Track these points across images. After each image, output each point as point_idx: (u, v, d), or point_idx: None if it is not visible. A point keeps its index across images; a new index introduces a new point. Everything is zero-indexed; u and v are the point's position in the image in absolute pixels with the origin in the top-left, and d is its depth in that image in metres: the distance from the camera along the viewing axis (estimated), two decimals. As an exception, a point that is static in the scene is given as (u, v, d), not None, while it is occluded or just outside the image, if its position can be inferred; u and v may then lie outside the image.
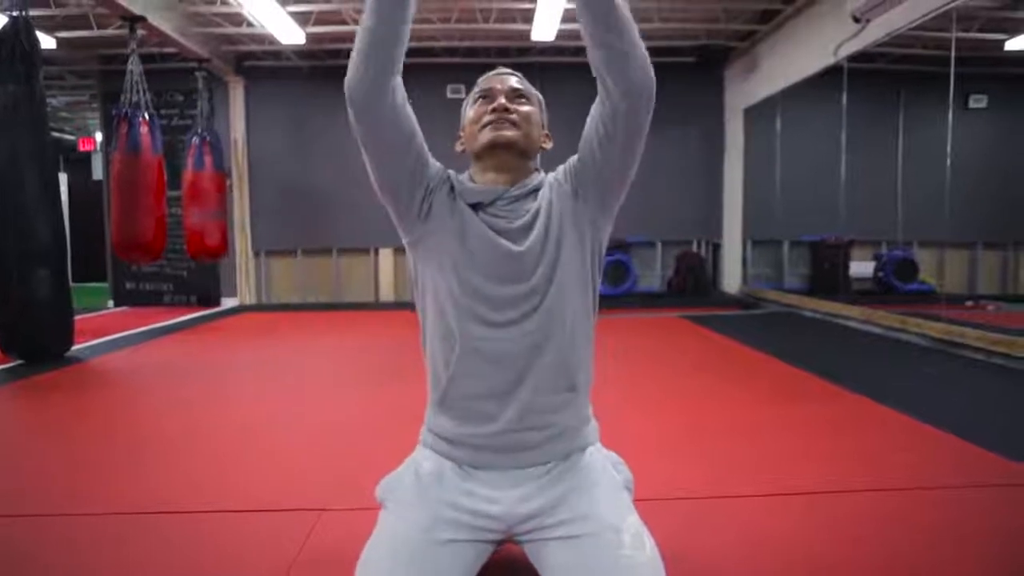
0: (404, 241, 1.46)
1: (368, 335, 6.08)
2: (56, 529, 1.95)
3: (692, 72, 8.58)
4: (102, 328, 6.36)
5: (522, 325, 1.34)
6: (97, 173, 10.23)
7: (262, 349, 5.45)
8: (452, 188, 1.43)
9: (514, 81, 1.47)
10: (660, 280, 8.85)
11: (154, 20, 6.13)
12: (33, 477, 2.44)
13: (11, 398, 3.76)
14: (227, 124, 8.42)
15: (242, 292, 8.70)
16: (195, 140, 7.12)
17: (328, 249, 8.79)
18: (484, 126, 1.40)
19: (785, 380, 3.96)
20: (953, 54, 5.59)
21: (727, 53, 8.49)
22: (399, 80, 1.37)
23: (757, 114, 8.27)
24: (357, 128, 1.37)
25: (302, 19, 7.09)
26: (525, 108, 1.44)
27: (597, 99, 1.37)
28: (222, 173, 7.44)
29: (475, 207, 1.39)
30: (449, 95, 8.59)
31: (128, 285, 8.75)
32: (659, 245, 8.88)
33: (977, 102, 8.36)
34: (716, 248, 9.04)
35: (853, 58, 6.20)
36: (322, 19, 7.28)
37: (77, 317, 5.06)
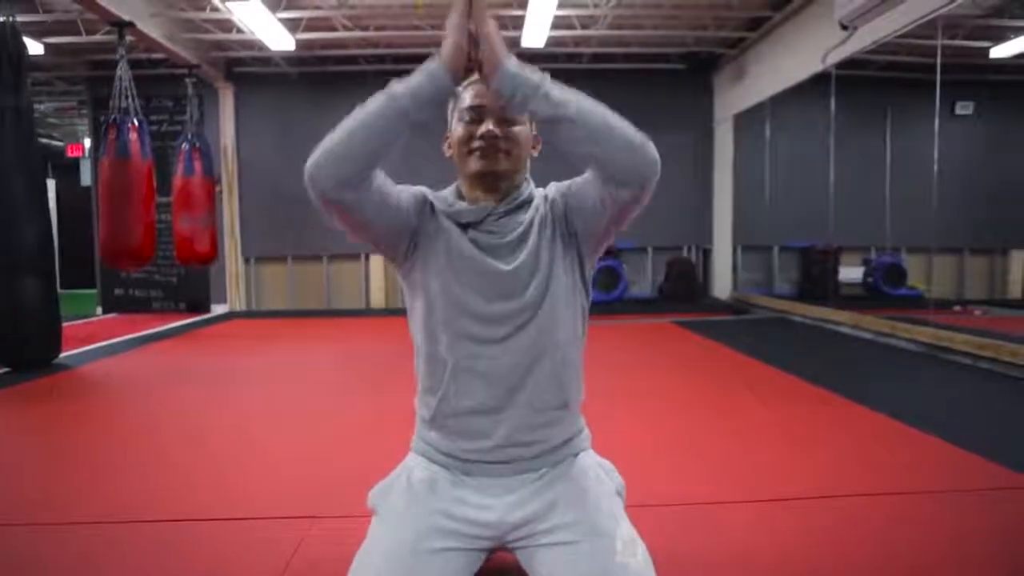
0: (396, 272, 1.46)
1: (358, 342, 6.06)
2: (43, 537, 1.93)
3: (681, 79, 8.64)
4: (90, 335, 6.31)
5: (514, 342, 1.34)
6: (85, 179, 10.17)
7: (252, 356, 5.42)
8: (434, 209, 1.40)
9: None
10: (651, 286, 8.87)
11: (143, 26, 6.12)
12: (19, 485, 2.42)
13: (-2, 406, 3.73)
14: (217, 130, 8.39)
15: (232, 299, 8.66)
16: (184, 146, 7.08)
17: (318, 256, 8.76)
18: (472, 151, 1.36)
19: (776, 385, 3.97)
20: (939, 61, 5.65)
21: (716, 60, 8.54)
22: None
23: (746, 121, 8.32)
24: (330, 214, 1.31)
25: (292, 26, 7.08)
26: (516, 129, 1.36)
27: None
28: (212, 179, 7.40)
29: (464, 225, 1.38)
30: (439, 101, 8.59)
31: (117, 292, 8.70)
32: (650, 251, 8.90)
33: (963, 109, 8.45)
34: (706, 254, 9.07)
35: (841, 65, 6.24)
36: (312, 26, 7.27)
37: (65, 324, 5.02)
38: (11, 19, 4.49)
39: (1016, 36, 7.01)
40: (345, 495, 2.09)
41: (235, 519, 2.06)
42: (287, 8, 6.85)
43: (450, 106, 1.39)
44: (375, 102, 1.24)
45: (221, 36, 7.41)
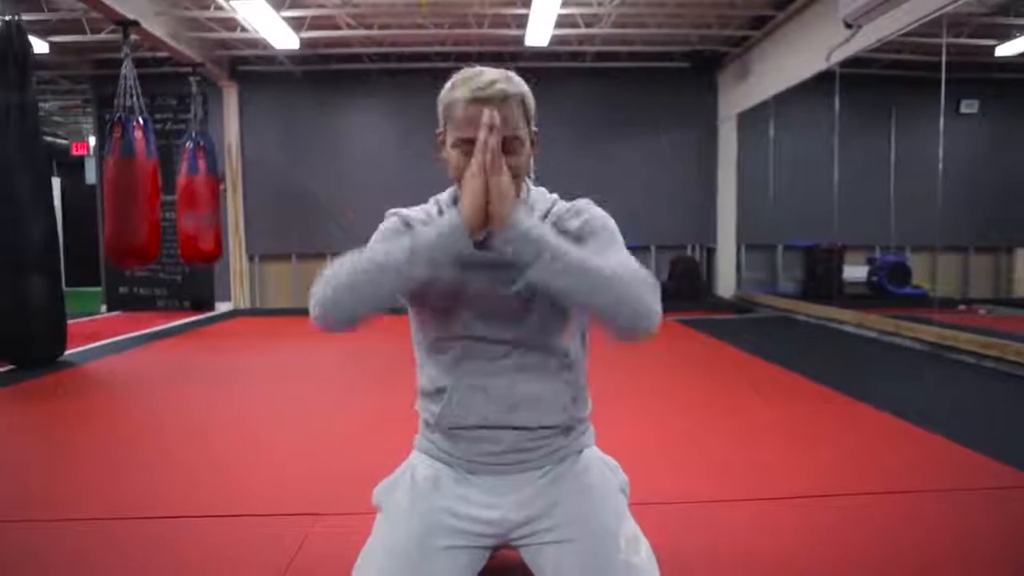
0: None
1: (362, 340, 6.04)
2: (48, 534, 1.94)
3: (686, 77, 8.62)
4: (95, 333, 6.33)
5: (515, 362, 1.32)
6: (90, 177, 10.18)
7: (256, 354, 5.43)
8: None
9: (499, 118, 1.19)
10: (654, 284, 8.86)
11: (147, 25, 6.13)
12: (25, 482, 2.43)
13: (3, 403, 3.74)
14: (221, 129, 8.40)
15: (236, 297, 8.68)
16: (189, 144, 7.10)
17: (322, 254, 8.76)
18: None
19: (779, 384, 3.97)
20: (944, 59, 5.63)
21: (720, 59, 8.52)
22: None
23: (750, 119, 8.31)
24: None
25: (296, 24, 7.09)
26: (514, 158, 1.25)
27: None
28: (216, 177, 7.43)
29: None
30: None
31: (121, 290, 8.72)
32: (653, 249, 8.89)
33: (968, 107, 8.43)
34: (710, 252, 9.06)
35: (845, 64, 6.23)
36: (316, 24, 7.28)
37: (70, 322, 5.03)
38: (16, 17, 4.50)
39: (1022, 34, 6.99)
40: (349, 492, 2.09)
41: (239, 516, 2.06)
42: (291, 6, 6.85)
43: (440, 108, 1.29)
44: (393, 255, 1.21)
45: (225, 35, 7.42)
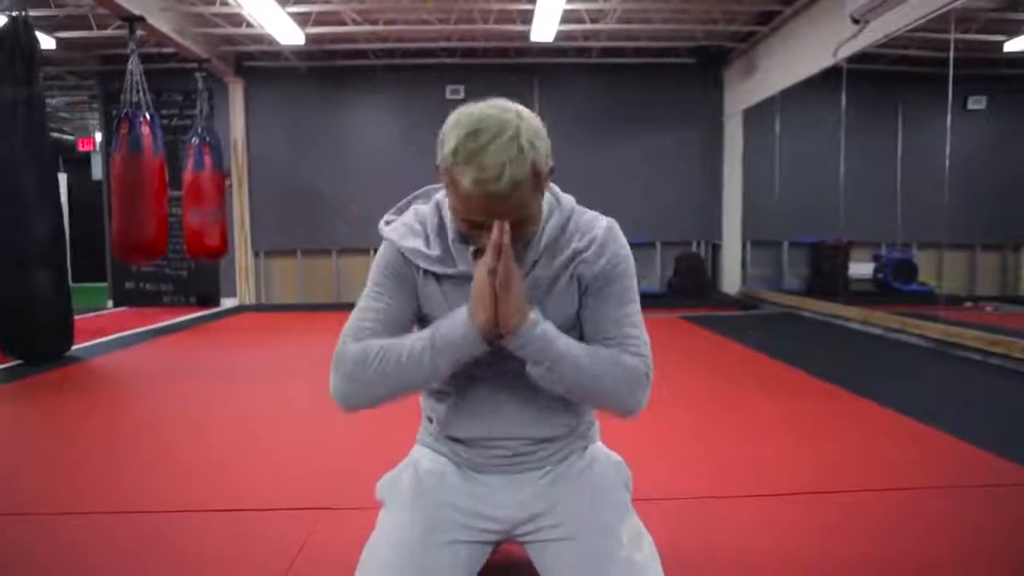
0: None
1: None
2: (55, 528, 1.96)
3: (691, 73, 8.59)
4: (101, 328, 6.35)
5: (515, 376, 1.29)
6: (96, 173, 10.22)
7: (261, 350, 5.45)
8: (419, 268, 1.31)
9: (511, 205, 1.13)
10: (660, 281, 8.86)
11: (153, 20, 6.14)
12: (32, 476, 2.45)
13: (10, 398, 3.76)
14: (227, 124, 8.42)
15: (242, 292, 8.70)
16: (195, 140, 7.12)
17: (328, 250, 8.79)
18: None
19: (783, 380, 3.97)
20: (952, 55, 5.60)
21: (726, 54, 8.49)
22: None
23: (756, 115, 8.28)
24: None
25: (301, 20, 7.09)
26: (524, 227, 1.21)
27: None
28: (221, 173, 7.43)
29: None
30: (448, 96, 8.59)
31: (127, 285, 8.75)
32: (658, 246, 8.89)
33: (976, 103, 8.38)
34: (715, 249, 9.05)
35: (852, 59, 6.21)
36: (321, 20, 7.28)
37: (76, 317, 5.05)
38: (23, 14, 4.51)
39: (1030, 30, 6.95)
40: (354, 487, 2.10)
41: (244, 510, 2.08)
42: (297, 2, 6.86)
43: (438, 156, 1.17)
44: (415, 355, 1.23)
45: (231, 30, 7.43)
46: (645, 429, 2.91)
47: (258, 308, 8.40)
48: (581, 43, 8.14)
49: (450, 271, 1.29)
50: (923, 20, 5.13)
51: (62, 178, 10.54)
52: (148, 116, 5.64)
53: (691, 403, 3.45)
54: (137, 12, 5.81)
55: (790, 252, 8.96)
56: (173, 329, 6.55)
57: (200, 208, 7.05)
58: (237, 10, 6.75)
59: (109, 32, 7.12)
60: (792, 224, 8.50)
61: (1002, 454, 2.46)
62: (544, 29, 7.10)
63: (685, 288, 8.49)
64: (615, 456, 1.50)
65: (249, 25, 7.17)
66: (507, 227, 1.13)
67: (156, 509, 2.08)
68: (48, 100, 9.16)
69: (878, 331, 5.71)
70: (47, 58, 7.14)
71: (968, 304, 7.45)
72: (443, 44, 8.17)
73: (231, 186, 8.32)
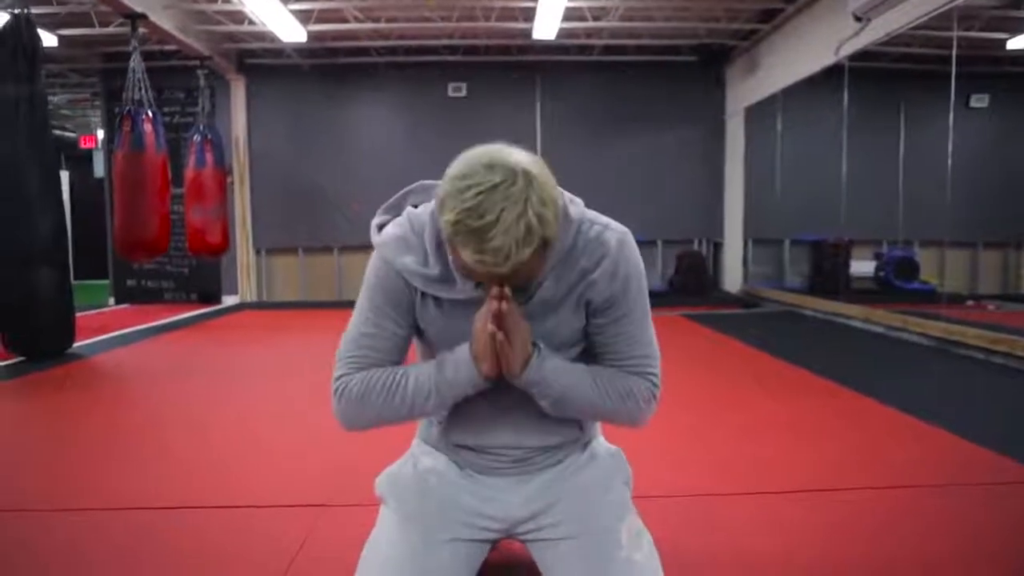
0: None
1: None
2: (55, 524, 1.96)
3: (693, 71, 8.58)
4: (103, 325, 6.36)
5: (517, 391, 1.28)
6: (98, 171, 10.23)
7: (263, 347, 5.46)
8: (417, 291, 1.23)
9: (511, 278, 1.06)
10: (661, 279, 8.85)
11: (155, 18, 6.14)
12: (33, 473, 2.45)
13: (12, 394, 3.77)
14: (228, 122, 8.42)
15: (243, 290, 8.71)
16: (196, 138, 7.12)
17: (329, 247, 8.79)
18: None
19: (785, 379, 3.97)
20: (954, 53, 5.59)
21: (728, 52, 8.48)
22: None
23: (758, 113, 8.27)
24: None
25: (303, 17, 7.09)
26: (530, 285, 1.17)
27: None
28: (223, 171, 7.44)
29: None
30: (450, 93, 8.60)
31: (129, 282, 8.76)
32: (659, 244, 8.88)
33: (978, 101, 8.36)
34: (717, 247, 9.04)
35: (854, 57, 6.20)
36: (323, 17, 7.28)
37: (78, 314, 5.07)
38: (25, 11, 4.51)
39: (1033, 28, 6.93)
40: (355, 484, 2.10)
41: (245, 507, 2.08)
42: (298, 0, 6.85)
43: (437, 211, 1.06)
44: (421, 394, 1.24)
45: (233, 28, 7.42)
46: (645, 427, 2.92)
47: (260, 305, 8.41)
48: (583, 41, 8.13)
49: (452, 296, 1.21)
50: (925, 18, 5.12)
51: (64, 176, 10.56)
52: (150, 113, 5.65)
53: (692, 401, 3.44)
54: (139, 9, 5.81)
55: (791, 250, 8.95)
56: (174, 326, 6.56)
57: (202, 205, 7.06)
58: (239, 7, 6.75)
59: (111, 29, 7.12)
60: (794, 222, 8.49)
61: (1003, 452, 2.46)
62: (546, 27, 7.09)
63: (686, 286, 8.48)
64: (616, 449, 1.50)
65: (251, 22, 7.17)
66: (508, 292, 1.09)
67: (156, 506, 2.09)
68: (50, 97, 9.14)
69: (880, 329, 5.70)
70: (49, 55, 7.15)
71: (970, 302, 7.44)
72: (445, 42, 8.16)
73: (233, 183, 8.32)
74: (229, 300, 8.69)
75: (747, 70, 8.19)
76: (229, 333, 6.33)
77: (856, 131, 7.30)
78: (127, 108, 5.60)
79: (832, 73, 6.60)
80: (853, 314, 6.23)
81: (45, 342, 4.68)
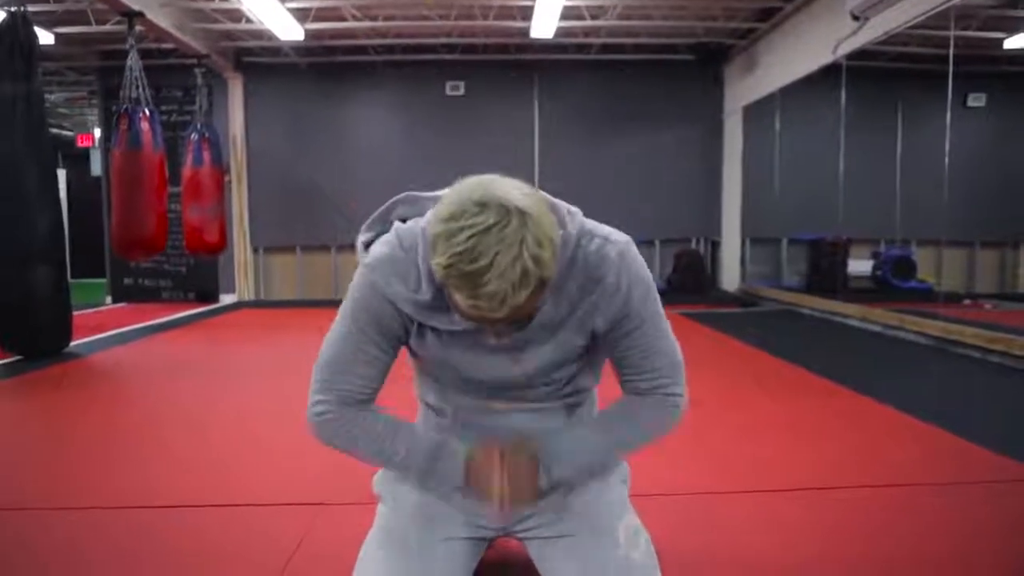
0: None
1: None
2: (53, 523, 1.96)
3: (691, 70, 8.58)
4: (100, 324, 6.35)
5: (519, 405, 1.30)
6: (96, 169, 10.20)
7: (261, 345, 5.45)
8: (411, 319, 1.17)
9: (507, 321, 1.02)
10: (659, 278, 8.86)
11: (152, 16, 6.12)
12: (30, 472, 2.45)
13: (9, 393, 3.76)
14: (226, 120, 8.41)
15: (241, 288, 8.69)
16: (194, 136, 7.11)
17: (327, 246, 8.78)
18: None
19: (783, 377, 3.97)
20: (952, 52, 5.60)
21: (726, 51, 8.48)
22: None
23: (756, 112, 8.27)
24: None
25: (301, 15, 7.08)
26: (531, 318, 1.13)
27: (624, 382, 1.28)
28: (221, 169, 7.43)
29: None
30: (448, 92, 8.59)
31: (126, 281, 8.74)
32: (658, 243, 8.88)
33: (976, 101, 8.38)
34: (715, 246, 9.05)
35: (852, 56, 6.20)
36: (321, 15, 7.26)
37: (75, 313, 5.05)
38: (22, 9, 4.50)
39: (1030, 27, 6.94)
40: (351, 483, 2.09)
41: (242, 505, 2.08)
42: (296, -2, 6.85)
43: (429, 248, 0.99)
44: (406, 469, 1.26)
45: (230, 26, 7.41)
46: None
47: (257, 304, 8.40)
48: (581, 39, 8.13)
49: (448, 327, 1.15)
50: (923, 17, 5.12)
51: (61, 174, 10.53)
52: (147, 112, 5.64)
53: (690, 400, 3.44)
54: (136, 7, 5.80)
55: (789, 249, 8.96)
56: (172, 325, 6.55)
57: (199, 204, 7.05)
58: (236, 5, 6.74)
59: (108, 27, 7.10)
60: (791, 221, 8.50)
61: (1001, 451, 2.46)
62: (544, 25, 7.08)
63: (684, 285, 8.49)
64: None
65: (248, 21, 7.16)
66: (508, 505, 1.17)
67: (155, 504, 2.08)
68: (47, 96, 9.13)
69: (877, 328, 5.71)
70: (46, 53, 7.11)
71: (967, 301, 7.45)
72: (443, 40, 8.15)
73: (230, 182, 8.31)
74: (226, 299, 8.68)
75: (745, 69, 8.19)
76: (226, 332, 6.32)
77: (854, 130, 7.32)
78: (124, 106, 5.58)
79: (830, 72, 6.60)
80: (851, 313, 6.23)
81: (42, 341, 4.67)
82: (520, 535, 1.37)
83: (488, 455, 1.19)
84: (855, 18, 5.55)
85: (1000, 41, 7.24)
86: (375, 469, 1.49)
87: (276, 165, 8.64)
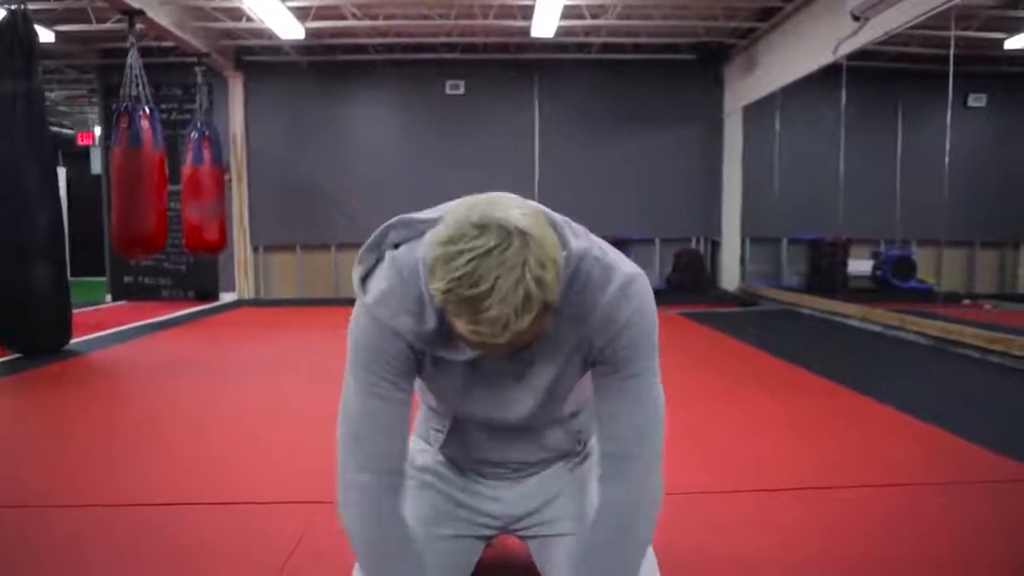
0: None
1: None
2: (53, 520, 1.96)
3: (691, 70, 8.58)
4: (100, 322, 6.35)
5: (520, 426, 1.28)
6: (95, 167, 10.20)
7: (260, 344, 5.45)
8: (416, 349, 1.12)
9: (510, 346, 0.96)
10: (659, 277, 8.85)
11: (152, 14, 6.12)
12: (30, 469, 2.45)
13: (9, 391, 3.77)
14: (226, 119, 8.41)
15: (240, 287, 8.69)
16: (194, 135, 7.11)
17: (327, 245, 8.78)
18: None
19: (782, 377, 3.97)
20: (952, 53, 5.60)
21: (727, 51, 8.48)
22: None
23: (756, 112, 8.27)
24: None
25: (301, 14, 7.08)
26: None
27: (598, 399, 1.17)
28: (221, 168, 7.43)
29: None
30: (448, 91, 8.59)
31: (126, 279, 8.74)
32: (657, 242, 8.88)
33: (976, 101, 8.37)
34: (715, 245, 9.05)
35: (852, 56, 6.20)
36: (321, 14, 7.26)
37: (75, 311, 5.05)
38: (22, 6, 4.50)
39: (1031, 28, 6.94)
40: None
41: (242, 503, 2.08)
42: (296, -4, 6.85)
43: (428, 275, 0.95)
44: None
45: (231, 24, 7.41)
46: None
47: (257, 303, 8.40)
48: (581, 39, 8.12)
49: (454, 357, 1.11)
50: (923, 17, 5.12)
51: (61, 172, 10.52)
52: (147, 110, 5.64)
53: (689, 399, 3.44)
54: (136, 6, 5.80)
55: (789, 249, 8.96)
56: (171, 323, 6.55)
57: (199, 202, 7.05)
58: (237, 4, 6.73)
59: (108, 26, 7.09)
60: (791, 221, 8.50)
61: (1001, 451, 2.46)
62: (544, 25, 7.08)
63: (684, 284, 8.49)
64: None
65: (249, 19, 7.16)
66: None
67: (153, 502, 2.08)
68: (47, 94, 9.12)
69: (877, 328, 5.71)
70: (46, 51, 7.11)
71: (966, 302, 7.45)
72: (443, 39, 8.14)
73: (230, 181, 8.30)
74: (226, 297, 8.67)
75: (745, 69, 8.19)
76: (226, 330, 6.32)
77: (854, 130, 7.31)
78: (124, 105, 5.58)
79: (830, 72, 6.60)
80: (851, 313, 6.23)
81: (42, 338, 4.67)
82: (521, 533, 1.37)
83: None
84: (855, 18, 5.55)
85: (1001, 41, 7.24)
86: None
87: (276, 164, 8.64)
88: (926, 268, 8.43)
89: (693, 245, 8.99)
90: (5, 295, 4.46)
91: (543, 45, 8.06)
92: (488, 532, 1.37)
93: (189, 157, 7.10)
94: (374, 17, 7.45)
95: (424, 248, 0.99)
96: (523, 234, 0.89)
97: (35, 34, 4.61)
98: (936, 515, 1.97)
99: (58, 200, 4.79)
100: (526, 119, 8.71)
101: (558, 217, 1.06)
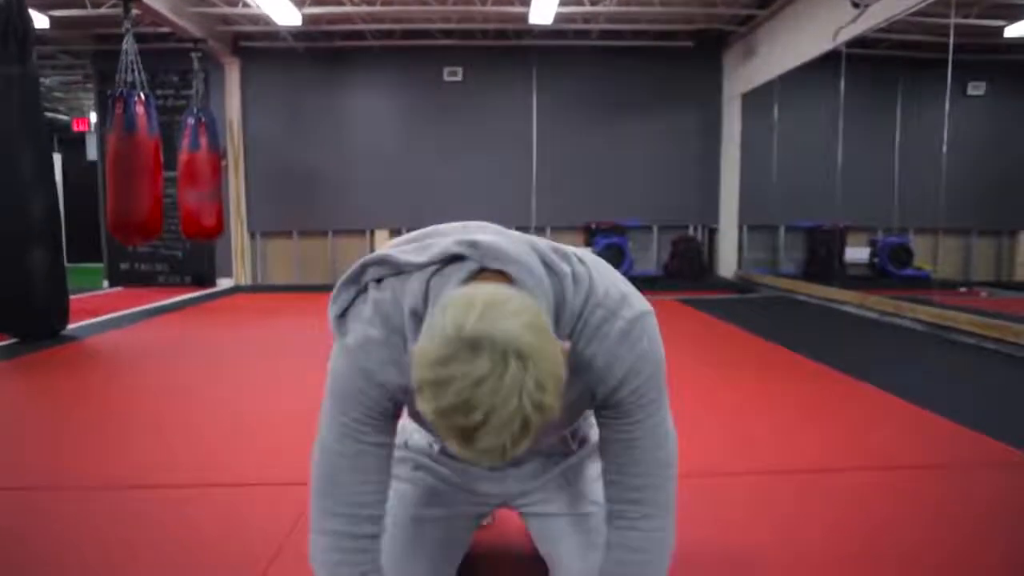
0: None
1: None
2: (49, 503, 1.97)
3: (690, 57, 8.56)
4: (97, 308, 6.35)
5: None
6: (91, 153, 10.16)
7: (257, 330, 5.45)
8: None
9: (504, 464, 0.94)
10: (656, 264, 8.86)
11: (148, -1, 6.08)
12: (27, 453, 2.45)
13: (6, 376, 3.77)
14: (222, 105, 8.37)
15: (237, 273, 8.69)
16: (190, 121, 7.07)
17: (324, 231, 8.77)
18: None
19: (780, 363, 3.98)
20: (952, 40, 5.58)
21: (726, 38, 8.45)
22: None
23: (755, 99, 8.26)
24: None
25: (298, 0, 7.03)
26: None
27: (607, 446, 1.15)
28: (217, 154, 7.40)
29: None
30: (446, 78, 8.56)
31: (123, 265, 8.73)
32: (655, 229, 8.88)
33: (976, 89, 8.36)
34: (712, 233, 9.05)
35: (852, 44, 6.18)
36: (319, 0, 7.22)
37: (72, 297, 5.05)
38: (17, -9, 4.47)
39: (1031, 15, 6.92)
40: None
41: (238, 485, 2.09)
42: (293, -19, 6.80)
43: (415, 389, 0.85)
44: None
45: (227, 10, 7.36)
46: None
47: (254, 289, 8.39)
48: (580, 25, 8.09)
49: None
50: (923, 4, 5.10)
51: (57, 158, 10.48)
52: (143, 96, 5.61)
53: (688, 384, 3.44)
54: (132, -10, 5.76)
55: (787, 236, 8.97)
56: (168, 309, 6.55)
57: (196, 188, 7.02)
58: (233, -11, 6.70)
59: (104, 11, 7.05)
60: (789, 208, 8.50)
61: (997, 436, 2.48)
62: (543, 11, 7.05)
63: (682, 271, 8.50)
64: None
65: (246, 5, 7.11)
66: None
67: (149, 484, 2.09)
68: (42, 80, 9.08)
69: (873, 315, 5.73)
70: (41, 37, 7.06)
71: (963, 289, 7.47)
72: (441, 26, 8.11)
73: (227, 167, 8.28)
74: (223, 283, 8.67)
75: (744, 56, 8.16)
76: (223, 316, 6.32)
77: (853, 118, 7.31)
78: (120, 90, 5.55)
79: (829, 59, 6.59)
80: (848, 300, 6.25)
81: (39, 324, 4.67)
82: (521, 507, 1.38)
83: None
84: (855, 5, 5.54)
85: (1000, 29, 7.21)
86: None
87: (273, 150, 8.61)
88: (923, 256, 8.45)
89: (691, 232, 8.99)
90: (2, 281, 4.46)
91: (541, 32, 8.03)
92: (484, 510, 1.38)
93: (186, 143, 7.06)
94: (371, 3, 7.41)
95: (410, 356, 0.89)
96: (520, 354, 0.80)
97: (30, 19, 4.57)
98: (932, 498, 1.99)
99: (54, 186, 4.78)
100: (524, 106, 8.68)
101: (562, 264, 1.00)
